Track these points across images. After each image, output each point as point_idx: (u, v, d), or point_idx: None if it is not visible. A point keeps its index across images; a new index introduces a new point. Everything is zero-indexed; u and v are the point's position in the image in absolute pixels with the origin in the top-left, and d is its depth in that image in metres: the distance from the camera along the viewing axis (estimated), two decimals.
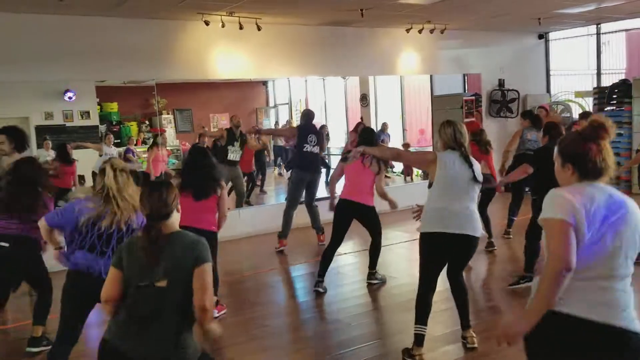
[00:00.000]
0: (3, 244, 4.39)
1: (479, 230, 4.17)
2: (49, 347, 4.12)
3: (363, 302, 5.64)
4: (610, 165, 2.40)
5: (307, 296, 6.01)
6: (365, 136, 5.91)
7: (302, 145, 7.39)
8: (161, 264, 2.51)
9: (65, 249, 3.75)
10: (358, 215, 5.81)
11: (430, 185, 4.19)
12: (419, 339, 4.12)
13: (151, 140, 10.53)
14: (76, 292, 3.62)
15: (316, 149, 7.40)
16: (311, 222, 7.92)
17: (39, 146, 8.92)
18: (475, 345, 4.28)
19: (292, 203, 7.60)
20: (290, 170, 9.20)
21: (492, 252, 7.04)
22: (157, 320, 2.49)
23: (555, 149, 2.51)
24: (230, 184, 8.66)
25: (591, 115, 2.65)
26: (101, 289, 2.64)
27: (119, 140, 10.60)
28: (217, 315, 5.13)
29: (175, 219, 2.64)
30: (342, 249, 7.66)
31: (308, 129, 7.54)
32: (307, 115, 7.86)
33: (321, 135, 7.71)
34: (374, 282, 6.01)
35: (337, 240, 5.78)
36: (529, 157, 5.76)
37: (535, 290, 2.27)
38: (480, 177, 4.13)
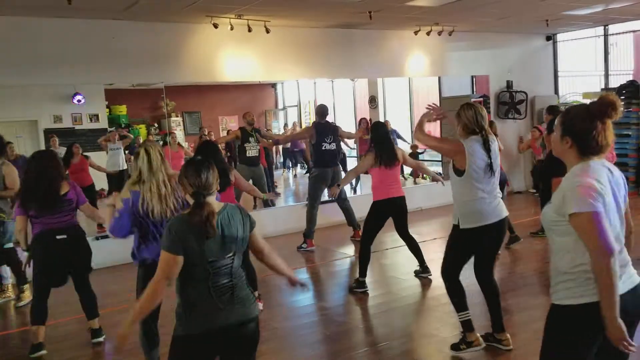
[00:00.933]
0: (62, 236, 4.64)
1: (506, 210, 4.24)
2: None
3: (371, 305, 5.65)
4: (609, 143, 2.37)
5: (315, 299, 6.03)
6: (377, 130, 6.05)
7: (320, 144, 7.55)
8: (224, 237, 2.65)
9: (135, 244, 3.83)
10: (395, 210, 5.97)
11: (458, 172, 4.06)
12: (468, 325, 4.18)
13: (160, 142, 10.57)
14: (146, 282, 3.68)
15: (333, 146, 7.54)
16: (346, 219, 8.02)
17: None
18: (511, 347, 4.25)
19: (313, 200, 7.70)
20: (307, 171, 9.17)
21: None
22: (237, 280, 2.72)
23: (557, 119, 2.47)
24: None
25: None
26: None
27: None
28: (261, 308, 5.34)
29: (215, 196, 2.76)
30: (349, 251, 7.73)
31: (325, 128, 7.63)
32: (322, 112, 7.85)
33: (337, 131, 7.77)
34: (427, 275, 6.17)
35: (372, 238, 5.94)
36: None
37: (599, 290, 2.26)
38: (495, 166, 4.07)
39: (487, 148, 4.01)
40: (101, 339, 4.91)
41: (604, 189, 2.30)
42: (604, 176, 2.34)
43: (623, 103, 10.72)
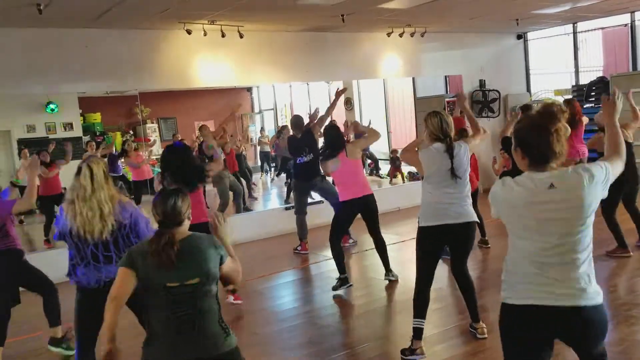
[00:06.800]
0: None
1: (474, 215, 4.30)
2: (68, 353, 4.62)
3: (353, 306, 5.69)
4: (558, 152, 2.34)
5: (296, 302, 6.05)
6: (332, 133, 6.21)
7: (296, 158, 7.47)
8: (188, 265, 2.59)
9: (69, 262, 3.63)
10: (364, 208, 6.05)
11: (423, 178, 4.35)
12: (419, 333, 4.24)
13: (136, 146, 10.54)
14: (83, 306, 3.62)
15: (309, 157, 7.37)
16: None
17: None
18: (486, 335, 4.44)
19: (299, 209, 7.73)
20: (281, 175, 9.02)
21: (487, 248, 7.19)
22: (203, 312, 2.62)
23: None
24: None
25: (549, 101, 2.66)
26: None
27: None
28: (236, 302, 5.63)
29: (186, 225, 2.72)
30: (328, 253, 7.74)
31: (299, 144, 7.43)
32: (296, 124, 7.64)
33: (310, 137, 7.50)
34: (392, 278, 6.21)
35: (341, 236, 6.16)
36: None
37: None
38: (458, 172, 4.18)
39: (450, 154, 4.15)
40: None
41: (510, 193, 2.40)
42: (532, 185, 2.37)
43: (594, 99, 10.88)
